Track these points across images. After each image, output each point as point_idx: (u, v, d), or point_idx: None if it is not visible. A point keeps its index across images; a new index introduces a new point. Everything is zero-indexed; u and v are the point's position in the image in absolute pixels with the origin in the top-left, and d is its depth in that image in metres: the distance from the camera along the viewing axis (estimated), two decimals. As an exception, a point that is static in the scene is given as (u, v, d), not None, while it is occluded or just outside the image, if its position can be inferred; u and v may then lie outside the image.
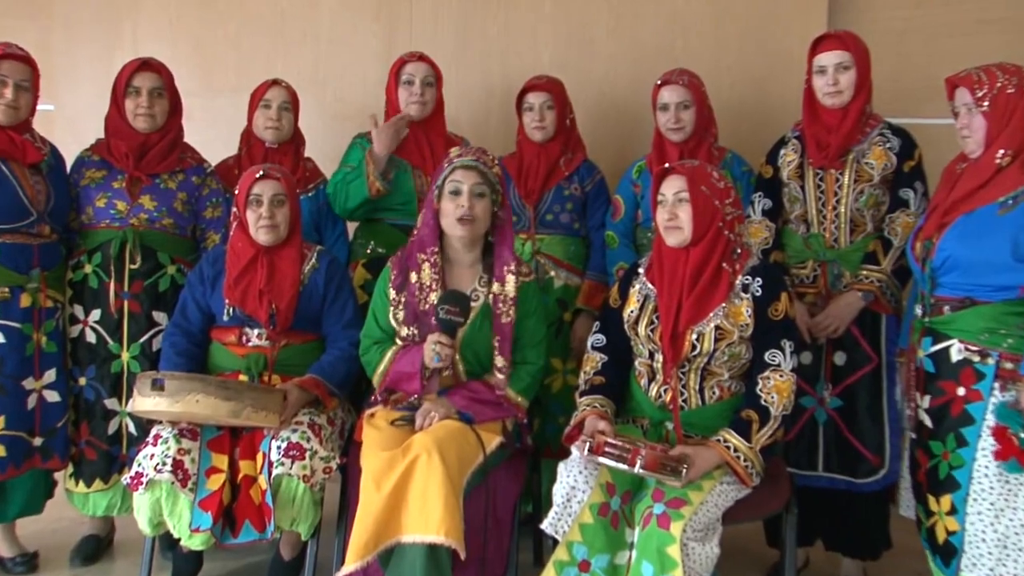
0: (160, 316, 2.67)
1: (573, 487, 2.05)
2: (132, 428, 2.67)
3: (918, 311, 2.16)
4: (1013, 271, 1.96)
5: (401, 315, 2.37)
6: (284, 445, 2.25)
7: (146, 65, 2.69)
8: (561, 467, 2.09)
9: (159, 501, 2.22)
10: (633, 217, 2.85)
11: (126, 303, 2.65)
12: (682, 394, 2.17)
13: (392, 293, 2.39)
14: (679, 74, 2.73)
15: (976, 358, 2.01)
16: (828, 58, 2.46)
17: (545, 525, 2.07)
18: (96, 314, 2.66)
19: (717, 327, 2.12)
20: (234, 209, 2.52)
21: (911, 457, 2.21)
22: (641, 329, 2.21)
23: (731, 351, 2.13)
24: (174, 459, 2.22)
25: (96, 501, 2.70)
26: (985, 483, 1.96)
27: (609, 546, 2.00)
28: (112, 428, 2.68)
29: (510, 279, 2.36)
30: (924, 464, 2.11)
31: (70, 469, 2.72)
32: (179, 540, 2.25)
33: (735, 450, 2.03)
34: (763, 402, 2.08)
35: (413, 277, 2.37)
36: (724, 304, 2.13)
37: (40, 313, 2.58)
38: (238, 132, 2.98)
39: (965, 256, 2.02)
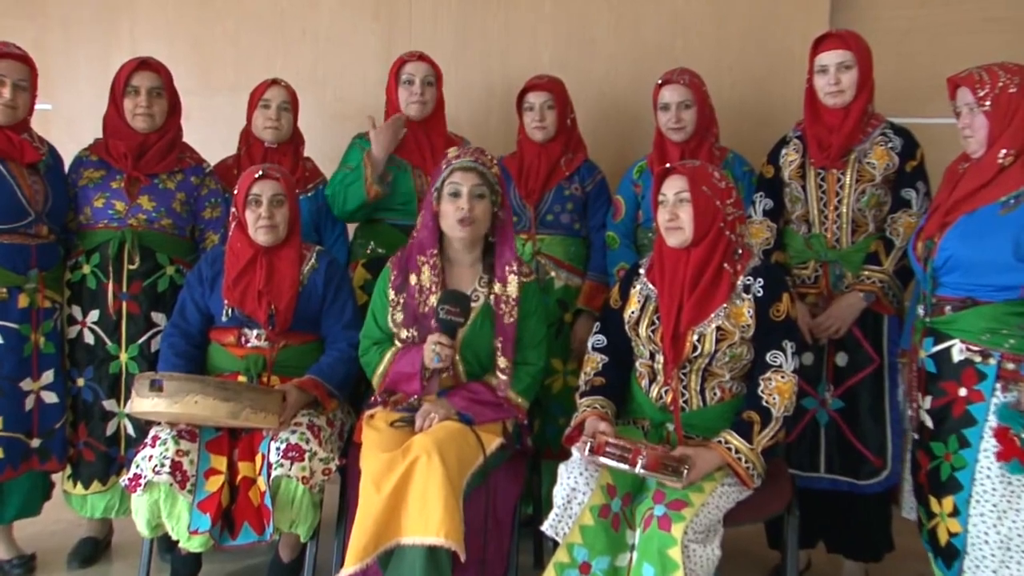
0: (159, 317, 2.66)
1: (574, 488, 2.04)
2: (130, 429, 2.67)
3: (920, 311, 2.15)
4: (1015, 271, 1.96)
5: (399, 316, 2.36)
6: (283, 446, 2.24)
7: (144, 64, 2.69)
8: (562, 468, 2.09)
9: (157, 503, 2.22)
10: (634, 217, 2.84)
11: (124, 304, 2.65)
12: (683, 395, 2.16)
13: (391, 294, 2.38)
14: (680, 73, 2.72)
15: (978, 358, 2.00)
16: (830, 57, 2.45)
17: (545, 527, 2.06)
18: (94, 315, 2.65)
19: (718, 328, 2.11)
20: (233, 209, 2.51)
21: (912, 458, 2.20)
22: (642, 330, 2.20)
23: (732, 352, 2.12)
24: (172, 460, 2.21)
25: (94, 503, 2.69)
26: (988, 485, 1.96)
27: (610, 548, 1.99)
28: (110, 429, 2.68)
29: (512, 279, 2.35)
30: (925, 465, 2.10)
31: (68, 471, 2.71)
32: (177, 542, 2.24)
33: (736, 451, 2.03)
34: (764, 403, 2.08)
35: (413, 279, 2.36)
36: (725, 305, 2.12)
37: (38, 314, 2.58)
38: (237, 131, 2.97)
39: (966, 256, 2.02)
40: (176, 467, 2.21)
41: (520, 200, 2.87)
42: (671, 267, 2.17)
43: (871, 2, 3.24)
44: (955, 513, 2.00)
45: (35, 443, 2.60)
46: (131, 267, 2.63)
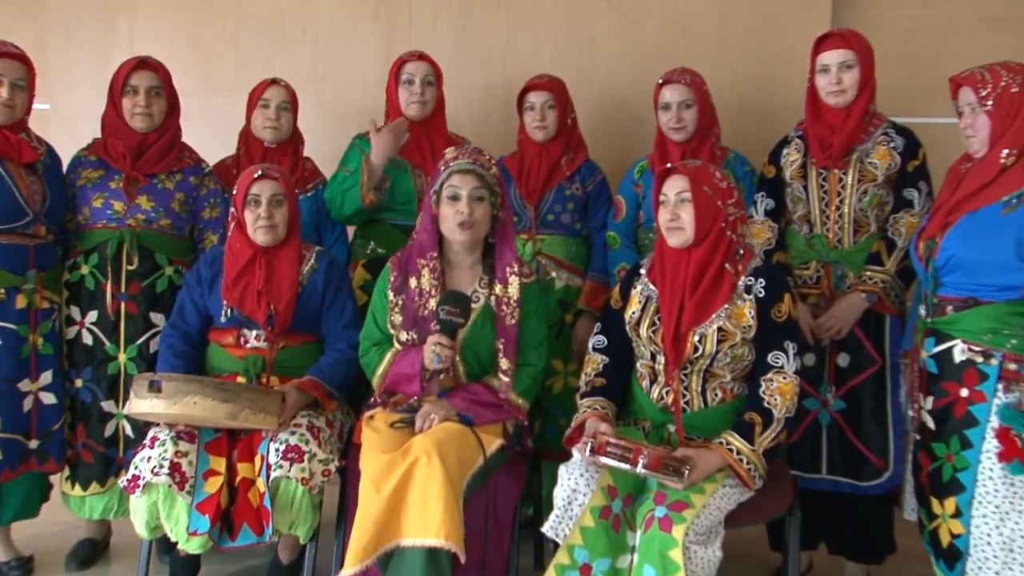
0: (157, 317, 2.66)
1: (574, 490, 2.03)
2: (129, 430, 2.66)
3: (922, 311, 2.14)
4: (1016, 271, 1.95)
5: (398, 318, 2.35)
6: (282, 447, 2.23)
7: (143, 64, 2.68)
8: (562, 470, 2.08)
9: (156, 504, 2.21)
10: (635, 217, 2.84)
11: (123, 304, 2.64)
12: (684, 396, 2.16)
13: (390, 295, 2.37)
14: (681, 73, 2.72)
15: (979, 359, 2.00)
16: (831, 57, 2.44)
17: (546, 528, 2.05)
18: (93, 315, 2.65)
19: (719, 329, 2.11)
20: (232, 209, 2.50)
21: (913, 459, 2.20)
22: (643, 330, 2.19)
23: (733, 353, 2.12)
24: (171, 462, 2.20)
25: (92, 504, 2.69)
26: (990, 486, 1.95)
27: (610, 549, 1.98)
28: (109, 430, 2.67)
29: (513, 280, 2.34)
30: (927, 466, 2.10)
31: (66, 472, 2.71)
32: (176, 543, 2.24)
33: (738, 452, 2.02)
34: (766, 404, 2.07)
35: (412, 282, 2.35)
36: (727, 305, 2.12)
37: (36, 314, 2.57)
38: (236, 131, 2.96)
39: (968, 256, 2.01)
40: (175, 468, 2.20)
41: (520, 200, 2.87)
42: (672, 267, 2.16)
43: (873, 1, 3.24)
44: (957, 514, 2.00)
45: (33, 444, 2.59)
46: (130, 267, 2.63)
